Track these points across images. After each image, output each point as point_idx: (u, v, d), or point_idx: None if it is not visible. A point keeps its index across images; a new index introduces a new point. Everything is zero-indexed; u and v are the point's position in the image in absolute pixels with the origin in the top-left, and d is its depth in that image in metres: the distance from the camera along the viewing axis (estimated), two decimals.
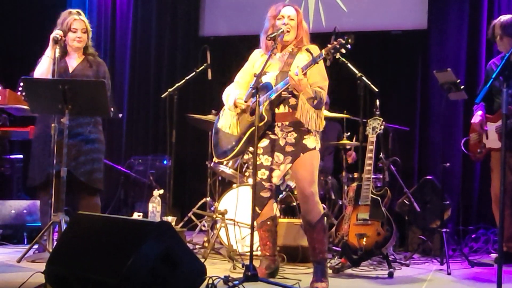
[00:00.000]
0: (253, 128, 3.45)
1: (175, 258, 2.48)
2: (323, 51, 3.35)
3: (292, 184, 4.77)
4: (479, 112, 4.68)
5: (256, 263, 3.46)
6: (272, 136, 3.61)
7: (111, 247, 2.58)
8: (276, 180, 3.66)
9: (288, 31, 3.61)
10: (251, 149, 3.66)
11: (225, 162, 5.01)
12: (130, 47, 6.86)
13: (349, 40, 3.30)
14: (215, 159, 5.12)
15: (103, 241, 2.62)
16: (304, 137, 3.56)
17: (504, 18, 4.58)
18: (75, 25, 4.30)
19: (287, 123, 3.57)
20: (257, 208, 3.60)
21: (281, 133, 3.59)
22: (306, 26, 3.73)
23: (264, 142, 3.63)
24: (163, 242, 2.47)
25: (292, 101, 3.54)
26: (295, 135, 3.57)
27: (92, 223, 2.76)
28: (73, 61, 4.37)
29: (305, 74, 3.37)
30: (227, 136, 3.74)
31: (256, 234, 3.73)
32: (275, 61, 3.66)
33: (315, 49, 3.58)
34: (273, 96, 3.52)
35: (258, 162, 3.59)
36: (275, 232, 3.83)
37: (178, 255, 2.47)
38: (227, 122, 3.72)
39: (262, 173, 3.62)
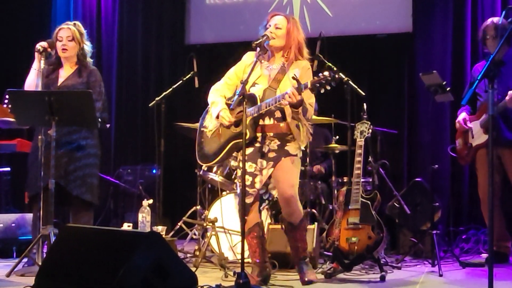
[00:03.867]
0: (237, 140, 3.53)
1: (166, 269, 2.47)
2: (309, 82, 3.39)
3: (274, 193, 4.74)
4: (463, 114, 4.71)
5: (247, 270, 3.45)
6: (256, 144, 3.67)
7: (101, 259, 2.56)
8: (259, 185, 3.68)
9: (273, 38, 3.62)
10: (239, 156, 3.68)
11: (214, 170, 5.02)
12: (117, 56, 6.84)
13: (336, 76, 3.35)
14: (204, 167, 5.17)
15: (93, 253, 2.60)
16: (287, 144, 3.65)
17: (497, 19, 4.60)
18: (61, 34, 4.30)
19: (271, 134, 3.65)
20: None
21: (264, 141, 3.66)
22: (301, 36, 3.72)
23: (249, 150, 3.67)
24: (154, 252, 2.46)
25: (278, 114, 3.62)
26: (278, 142, 3.65)
27: (81, 235, 2.74)
28: (65, 72, 4.35)
29: (300, 94, 3.43)
30: (210, 140, 3.77)
31: (261, 241, 3.79)
32: (266, 72, 3.69)
33: (305, 67, 3.66)
34: (259, 113, 3.57)
35: None
36: (263, 238, 3.84)
37: (169, 265, 2.46)
38: (210, 125, 3.76)
39: (246, 179, 3.63)
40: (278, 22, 3.68)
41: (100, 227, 3.41)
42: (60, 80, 4.31)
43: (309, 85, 3.36)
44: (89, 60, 4.41)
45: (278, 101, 3.48)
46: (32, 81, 4.23)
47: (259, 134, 3.63)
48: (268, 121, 3.62)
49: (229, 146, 3.67)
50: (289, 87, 3.54)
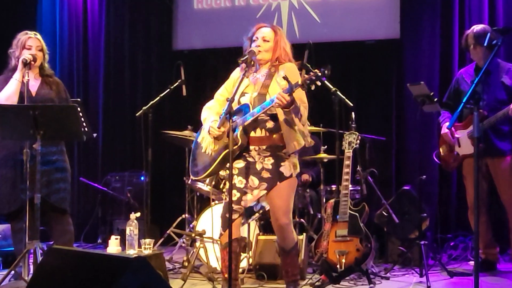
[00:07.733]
0: (227, 150, 3.40)
1: None
2: (299, 80, 3.32)
3: (266, 205, 4.72)
4: (447, 123, 4.70)
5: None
6: (249, 159, 3.56)
7: (87, 283, 2.54)
8: (245, 203, 3.58)
9: (260, 52, 3.58)
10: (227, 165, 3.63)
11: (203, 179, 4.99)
12: (104, 63, 6.76)
13: (326, 72, 3.28)
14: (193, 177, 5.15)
15: (79, 276, 2.58)
16: (281, 164, 3.53)
17: (477, 28, 4.60)
18: (30, 42, 4.25)
19: (264, 147, 3.53)
20: (221, 229, 3.60)
21: (258, 157, 3.55)
22: (288, 43, 3.67)
23: (240, 164, 3.58)
24: (140, 278, 2.43)
25: (269, 124, 3.51)
26: (272, 160, 3.53)
27: (67, 258, 2.72)
28: (32, 83, 4.26)
29: (290, 95, 3.33)
30: (203, 154, 3.69)
31: (236, 257, 3.69)
32: (253, 80, 3.63)
33: (292, 68, 3.56)
34: (249, 120, 3.47)
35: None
36: (240, 255, 3.77)
37: None
38: (204, 142, 3.68)
39: (234, 195, 3.52)
40: (265, 34, 3.60)
41: (86, 250, 3.38)
42: (32, 92, 4.23)
43: (300, 82, 3.30)
44: (49, 68, 4.40)
45: (270, 105, 3.40)
46: (13, 93, 4.15)
47: (252, 147, 3.53)
48: (260, 133, 3.51)
49: (221, 156, 3.57)
50: (278, 90, 3.46)
